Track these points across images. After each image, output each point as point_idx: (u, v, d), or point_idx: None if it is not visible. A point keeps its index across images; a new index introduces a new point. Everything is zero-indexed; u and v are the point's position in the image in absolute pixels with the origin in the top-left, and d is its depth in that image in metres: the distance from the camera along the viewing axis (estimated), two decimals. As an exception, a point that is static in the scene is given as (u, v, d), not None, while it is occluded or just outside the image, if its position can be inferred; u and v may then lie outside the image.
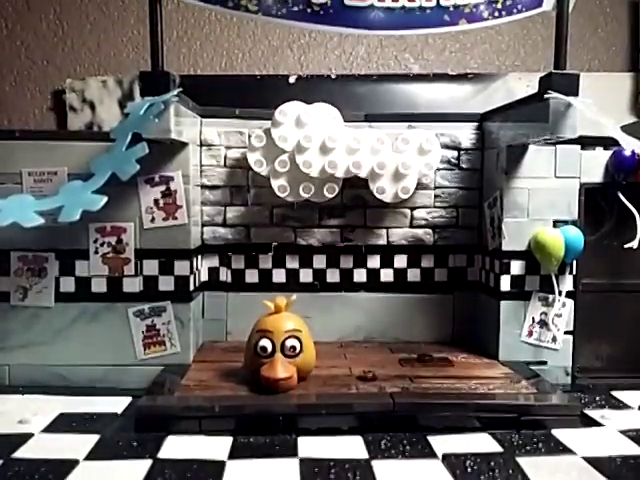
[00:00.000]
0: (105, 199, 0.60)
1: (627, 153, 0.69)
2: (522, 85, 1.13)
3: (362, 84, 1.15)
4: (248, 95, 1.09)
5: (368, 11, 0.65)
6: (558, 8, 0.65)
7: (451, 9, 0.66)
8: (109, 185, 0.61)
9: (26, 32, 1.21)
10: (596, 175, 0.71)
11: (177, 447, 0.53)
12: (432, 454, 0.52)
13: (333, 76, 1.16)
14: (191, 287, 0.71)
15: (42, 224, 0.60)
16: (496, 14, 0.67)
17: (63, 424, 0.58)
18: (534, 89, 0.64)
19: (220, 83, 1.13)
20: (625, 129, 0.85)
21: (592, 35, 1.22)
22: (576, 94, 0.61)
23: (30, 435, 0.55)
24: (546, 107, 0.60)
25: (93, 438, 0.55)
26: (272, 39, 1.20)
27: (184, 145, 0.69)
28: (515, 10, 0.67)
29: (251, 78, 1.16)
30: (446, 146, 0.78)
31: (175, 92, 0.63)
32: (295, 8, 0.65)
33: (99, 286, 0.69)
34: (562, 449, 0.53)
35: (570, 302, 0.71)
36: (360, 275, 0.80)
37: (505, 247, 0.71)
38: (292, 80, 1.13)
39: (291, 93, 0.86)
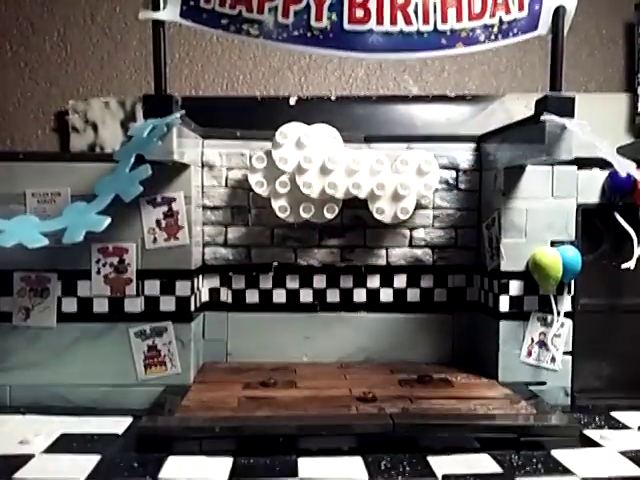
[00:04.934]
0: (109, 220, 0.61)
1: (623, 175, 0.70)
2: (520, 106, 1.14)
3: (362, 105, 1.16)
4: (249, 116, 1.11)
5: (367, 35, 0.66)
6: (553, 32, 0.66)
7: (448, 33, 0.67)
8: (112, 206, 0.62)
9: (30, 54, 1.23)
10: (593, 196, 0.72)
11: (178, 467, 0.53)
12: (432, 474, 0.52)
13: (333, 97, 1.17)
14: (192, 307, 0.71)
15: (46, 245, 0.60)
16: (492, 37, 0.68)
17: (64, 444, 0.58)
18: (532, 110, 0.65)
19: (221, 104, 1.15)
20: (622, 150, 0.86)
21: (588, 56, 1.24)
22: (571, 116, 0.62)
23: (31, 456, 0.55)
24: (542, 129, 0.61)
25: (94, 458, 0.55)
26: (273, 61, 1.21)
27: (186, 166, 0.70)
28: (511, 34, 0.68)
29: (252, 100, 1.17)
30: (445, 167, 0.79)
31: (178, 115, 0.64)
32: (295, 32, 0.66)
33: (101, 306, 0.70)
34: (561, 470, 0.53)
35: (569, 322, 0.72)
36: (360, 295, 0.80)
37: (504, 267, 0.72)
38: (292, 102, 1.15)
39: (291, 114, 0.87)
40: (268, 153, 0.75)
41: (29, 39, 1.23)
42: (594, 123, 0.62)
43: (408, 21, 0.66)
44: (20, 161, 0.70)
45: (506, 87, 1.23)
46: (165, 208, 0.70)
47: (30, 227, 0.62)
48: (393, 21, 0.66)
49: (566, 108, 0.62)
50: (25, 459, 0.55)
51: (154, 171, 0.63)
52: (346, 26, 0.66)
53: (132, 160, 0.62)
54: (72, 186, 0.69)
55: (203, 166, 0.78)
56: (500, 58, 1.22)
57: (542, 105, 0.63)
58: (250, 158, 0.77)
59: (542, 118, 0.61)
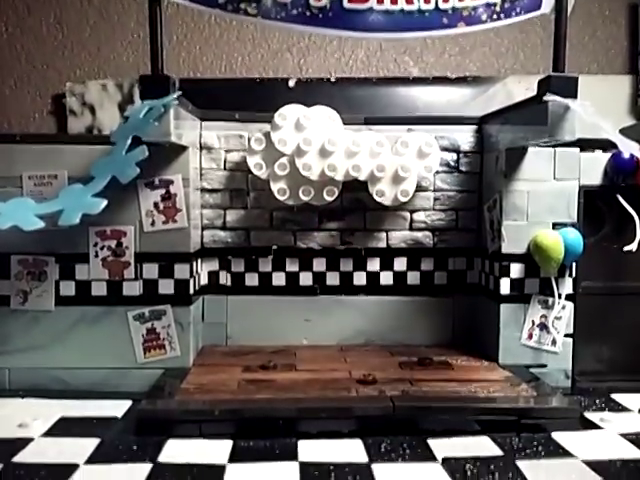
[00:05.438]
0: (105, 202, 0.60)
1: (626, 156, 0.69)
2: (521, 88, 1.13)
3: (362, 87, 1.15)
4: (248, 98, 1.10)
5: (367, 14, 0.65)
6: (557, 11, 0.65)
7: (450, 12, 0.66)
8: (109, 188, 0.61)
9: (26, 36, 1.21)
10: (595, 178, 0.71)
11: (177, 451, 0.53)
12: (432, 457, 0.52)
13: (333, 79, 1.16)
14: (191, 290, 0.71)
15: (42, 228, 0.60)
16: (494, 17, 0.67)
17: (63, 428, 0.58)
18: (533, 92, 0.64)
19: (220, 86, 1.14)
20: (624, 132, 0.85)
21: (591, 38, 1.22)
22: (575, 97, 0.61)
23: (30, 439, 0.55)
24: (544, 110, 0.60)
25: (93, 442, 0.55)
26: (271, 43, 1.20)
27: (184, 148, 0.69)
28: (514, 13, 0.67)
29: (251, 81, 1.16)
30: (445, 149, 0.78)
31: (175, 95, 0.63)
32: (294, 11, 0.65)
33: (99, 290, 0.69)
34: (562, 452, 0.53)
35: (570, 305, 0.71)
36: (360, 278, 0.80)
37: (505, 250, 0.71)
38: (292, 84, 1.14)
39: (291, 96, 0.86)
40: (267, 135, 0.74)
41: (25, 21, 1.21)
42: (596, 105, 0.61)
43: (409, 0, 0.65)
44: (17, 143, 0.69)
45: (508, 69, 1.22)
46: (163, 191, 0.69)
47: (26, 210, 0.62)
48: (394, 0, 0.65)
49: (569, 89, 0.61)
50: (24, 442, 0.55)
51: (152, 153, 0.62)
52: (346, 5, 0.65)
53: (129, 141, 0.62)
54: (69, 168, 0.68)
55: (201, 148, 0.77)
56: (502, 39, 1.21)
57: (545, 85, 0.62)
58: (249, 140, 0.76)
59: (545, 98, 0.60)
